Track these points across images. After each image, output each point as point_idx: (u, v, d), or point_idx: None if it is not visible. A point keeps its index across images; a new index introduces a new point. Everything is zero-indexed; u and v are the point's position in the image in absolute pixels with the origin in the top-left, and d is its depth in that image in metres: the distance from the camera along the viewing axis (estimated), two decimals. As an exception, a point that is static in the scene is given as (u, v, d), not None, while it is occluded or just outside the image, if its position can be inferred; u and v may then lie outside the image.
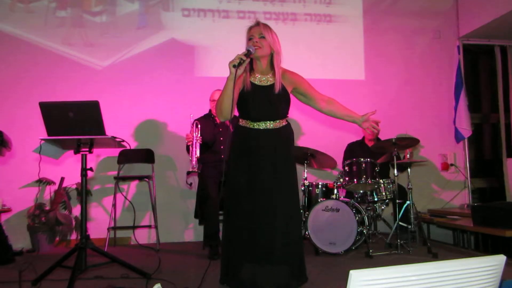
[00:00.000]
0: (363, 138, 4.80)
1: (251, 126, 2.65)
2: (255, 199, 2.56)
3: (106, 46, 4.90)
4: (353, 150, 4.74)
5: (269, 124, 2.65)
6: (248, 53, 2.46)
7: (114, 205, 4.45)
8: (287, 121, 2.77)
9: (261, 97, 2.63)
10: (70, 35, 4.85)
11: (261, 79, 2.69)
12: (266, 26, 2.68)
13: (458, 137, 5.34)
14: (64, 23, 4.86)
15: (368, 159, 3.99)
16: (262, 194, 2.57)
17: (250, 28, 2.69)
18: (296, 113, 5.17)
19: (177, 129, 4.90)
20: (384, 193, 4.10)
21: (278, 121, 2.68)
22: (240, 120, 2.72)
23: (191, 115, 4.09)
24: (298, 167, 4.75)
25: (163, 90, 4.94)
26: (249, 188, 2.59)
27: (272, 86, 2.65)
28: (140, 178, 4.46)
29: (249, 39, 2.66)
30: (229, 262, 2.63)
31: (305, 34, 5.29)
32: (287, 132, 2.75)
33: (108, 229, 4.32)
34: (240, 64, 2.38)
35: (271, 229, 2.54)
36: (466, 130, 5.28)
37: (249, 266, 2.56)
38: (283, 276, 2.55)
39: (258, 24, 2.68)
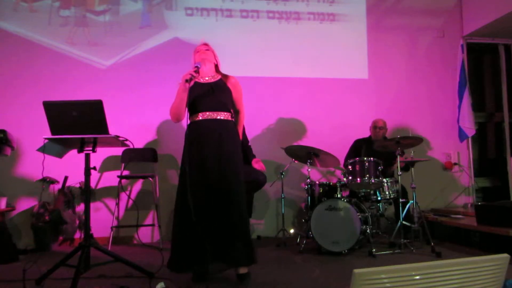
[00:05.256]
0: (370, 136, 4.79)
1: (197, 119, 2.92)
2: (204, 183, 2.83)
3: (109, 45, 4.91)
4: (359, 147, 4.73)
5: (214, 114, 2.92)
6: (197, 70, 2.90)
7: (117, 204, 4.46)
8: (231, 117, 3.02)
9: (204, 89, 2.95)
10: (73, 34, 4.86)
11: (205, 78, 3.03)
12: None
13: (461, 136, 5.32)
14: (68, 22, 4.87)
15: (372, 158, 3.98)
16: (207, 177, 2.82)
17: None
18: (299, 112, 5.17)
19: (181, 128, 4.90)
20: (387, 192, 4.10)
21: (222, 113, 2.95)
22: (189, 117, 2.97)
23: None
24: (302, 166, 4.79)
25: (166, 89, 4.92)
26: (197, 173, 2.81)
27: (215, 82, 3.01)
28: (144, 177, 4.47)
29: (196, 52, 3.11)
30: (179, 246, 2.86)
31: (308, 33, 5.28)
32: (230, 124, 3.00)
33: (112, 228, 4.33)
34: (191, 79, 2.82)
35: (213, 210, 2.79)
36: (470, 129, 5.26)
37: (197, 247, 2.76)
38: (228, 254, 2.76)
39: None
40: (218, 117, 2.91)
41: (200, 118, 2.90)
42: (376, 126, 4.71)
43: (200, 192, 2.77)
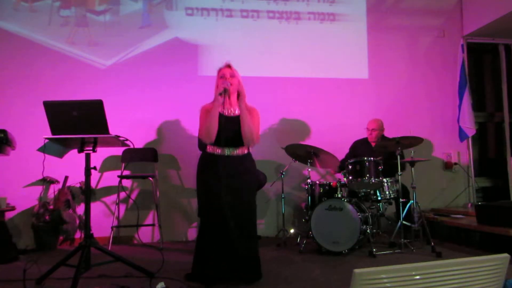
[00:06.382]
0: (367, 137, 4.79)
1: (217, 152, 2.95)
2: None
3: (109, 45, 4.91)
4: (357, 148, 4.73)
5: (234, 151, 2.96)
6: (226, 91, 2.91)
7: (117, 204, 4.46)
8: (249, 149, 3.08)
9: (228, 123, 2.93)
10: (73, 34, 4.86)
11: (229, 110, 3.01)
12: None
13: (462, 136, 5.31)
14: (68, 22, 4.87)
15: (372, 158, 3.99)
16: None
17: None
18: (299, 112, 5.17)
19: (181, 128, 4.90)
20: (387, 192, 4.10)
21: (242, 148, 3.01)
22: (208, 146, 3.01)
23: None
24: (302, 166, 4.78)
25: (167, 89, 4.94)
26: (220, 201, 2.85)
27: (239, 116, 2.99)
28: (144, 177, 4.47)
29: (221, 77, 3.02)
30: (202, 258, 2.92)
31: (309, 33, 5.28)
32: (249, 158, 3.08)
33: (112, 227, 4.33)
34: (225, 92, 2.89)
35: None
36: (470, 129, 5.25)
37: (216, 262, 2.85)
38: (243, 271, 2.86)
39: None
40: (239, 153, 2.96)
41: (221, 152, 2.93)
42: (368, 128, 4.69)
43: (219, 217, 2.84)
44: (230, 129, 2.91)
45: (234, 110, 3.00)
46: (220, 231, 2.84)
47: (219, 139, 2.92)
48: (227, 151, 2.94)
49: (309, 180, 4.18)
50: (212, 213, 2.89)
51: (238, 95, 3.00)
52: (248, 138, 2.92)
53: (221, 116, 2.93)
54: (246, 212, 2.93)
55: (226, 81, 2.94)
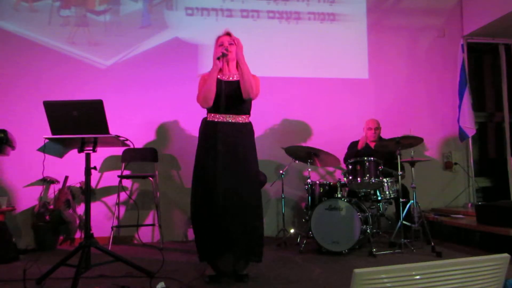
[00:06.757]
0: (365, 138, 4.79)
1: (216, 119, 2.93)
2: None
3: (109, 45, 4.91)
4: (355, 148, 4.74)
5: (234, 117, 2.94)
6: (225, 54, 2.93)
7: (118, 204, 4.46)
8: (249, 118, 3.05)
9: (228, 89, 2.93)
10: (74, 34, 4.86)
11: (228, 77, 3.00)
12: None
13: (462, 136, 5.31)
14: (68, 22, 4.87)
15: (372, 158, 3.99)
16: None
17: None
18: (299, 112, 5.17)
19: (181, 128, 4.90)
20: (387, 192, 4.10)
21: (242, 116, 2.98)
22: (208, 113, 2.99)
23: None
24: (302, 166, 4.79)
25: (167, 89, 4.94)
26: (214, 175, 2.85)
27: (238, 81, 2.97)
28: (144, 177, 4.47)
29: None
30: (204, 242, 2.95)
31: (309, 33, 5.28)
32: (249, 127, 3.03)
33: (112, 227, 4.33)
34: (223, 56, 2.91)
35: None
36: (470, 129, 5.25)
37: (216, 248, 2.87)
38: (240, 258, 2.87)
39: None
40: (238, 121, 2.93)
41: (221, 119, 2.90)
42: (372, 127, 4.70)
43: (216, 193, 2.81)
44: (229, 94, 2.88)
45: (233, 77, 2.97)
46: (217, 228, 2.82)
47: (218, 105, 2.89)
48: (227, 117, 2.90)
49: (309, 180, 4.18)
50: (208, 211, 2.86)
51: (237, 64, 2.98)
52: (247, 88, 2.87)
53: (219, 82, 2.91)
54: (246, 210, 2.87)
55: (224, 48, 2.94)
